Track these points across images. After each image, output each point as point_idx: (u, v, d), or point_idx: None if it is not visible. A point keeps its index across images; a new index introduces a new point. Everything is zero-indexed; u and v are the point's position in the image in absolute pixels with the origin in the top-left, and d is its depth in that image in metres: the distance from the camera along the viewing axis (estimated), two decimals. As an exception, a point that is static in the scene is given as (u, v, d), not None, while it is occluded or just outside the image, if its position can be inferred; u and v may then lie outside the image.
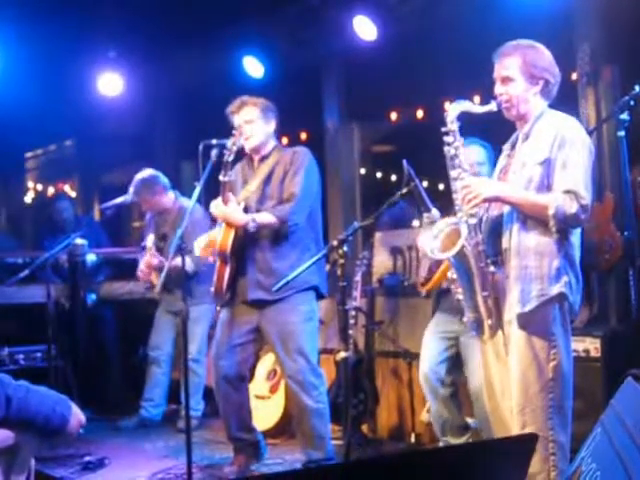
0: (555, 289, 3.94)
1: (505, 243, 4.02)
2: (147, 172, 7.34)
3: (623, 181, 5.02)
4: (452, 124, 4.09)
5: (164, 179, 7.37)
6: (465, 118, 4.13)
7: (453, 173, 4.10)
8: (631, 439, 2.75)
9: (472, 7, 6.43)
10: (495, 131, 4.75)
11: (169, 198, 7.40)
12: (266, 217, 5.38)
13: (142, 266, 7.00)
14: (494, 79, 4.15)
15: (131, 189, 7.23)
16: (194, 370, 7.05)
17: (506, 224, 4.04)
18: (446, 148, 4.12)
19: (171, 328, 7.42)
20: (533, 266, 3.94)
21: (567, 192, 3.88)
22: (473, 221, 4.02)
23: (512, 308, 3.98)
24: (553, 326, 3.95)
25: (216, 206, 5.38)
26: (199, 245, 5.61)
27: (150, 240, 6.96)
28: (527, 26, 5.14)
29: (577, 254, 4.05)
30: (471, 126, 4.36)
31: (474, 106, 4.14)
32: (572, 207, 3.85)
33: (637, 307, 5.00)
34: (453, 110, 4.10)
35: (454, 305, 5.44)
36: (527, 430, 3.91)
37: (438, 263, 5.47)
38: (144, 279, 7.12)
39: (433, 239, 4.14)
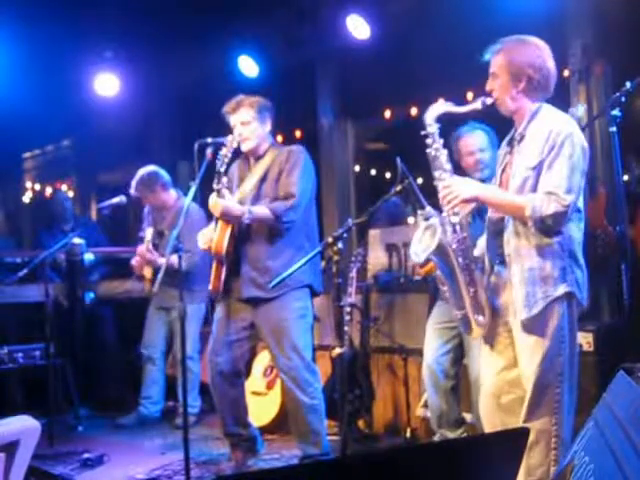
0: (561, 289, 3.95)
1: (506, 246, 4.05)
2: (148, 169, 7.37)
3: (615, 176, 5.05)
4: (431, 126, 4.13)
5: (165, 176, 7.39)
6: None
7: (435, 174, 4.14)
8: (623, 432, 2.77)
9: (464, 5, 6.45)
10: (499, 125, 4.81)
11: (169, 196, 7.41)
12: (262, 210, 5.40)
13: (137, 257, 7.08)
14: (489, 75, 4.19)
15: (133, 184, 7.28)
16: (189, 367, 7.07)
17: (508, 227, 4.06)
18: (427, 150, 4.17)
19: (163, 325, 7.45)
20: (537, 268, 3.95)
21: (547, 193, 3.88)
22: (456, 219, 4.06)
23: (518, 313, 3.99)
24: (561, 321, 3.97)
25: (213, 201, 5.39)
26: (202, 235, 5.64)
27: (149, 233, 7.00)
28: (519, 23, 5.16)
29: (580, 249, 4.05)
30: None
31: (454, 106, 4.17)
32: (549, 208, 3.84)
33: (629, 301, 5.03)
34: (431, 113, 4.14)
35: None
36: (530, 424, 3.93)
37: None
38: (138, 270, 7.19)
39: (418, 243, 4.18)
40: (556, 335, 3.97)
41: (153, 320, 7.51)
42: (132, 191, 7.26)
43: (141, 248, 7.03)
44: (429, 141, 4.14)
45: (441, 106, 4.15)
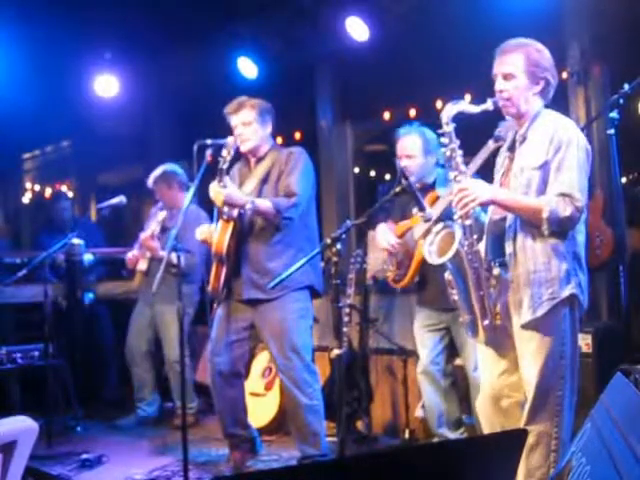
0: (566, 291, 3.94)
1: (509, 248, 4.02)
2: (170, 166, 7.43)
3: (613, 178, 5.05)
4: (447, 126, 4.05)
5: (184, 178, 7.40)
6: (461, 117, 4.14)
7: (450, 175, 4.08)
8: (620, 433, 2.77)
9: (463, 7, 6.46)
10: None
11: (184, 197, 7.42)
12: (264, 203, 5.37)
13: (134, 250, 7.10)
14: (494, 76, 4.11)
15: (151, 177, 7.31)
16: (175, 369, 7.03)
17: (510, 228, 4.03)
18: (442, 150, 4.12)
19: (144, 325, 7.46)
20: (542, 270, 3.94)
21: (561, 195, 3.86)
22: (468, 222, 4.02)
23: (522, 315, 3.98)
24: (564, 323, 3.96)
25: (215, 190, 5.34)
26: (200, 231, 5.65)
27: (162, 215, 7.02)
28: (518, 25, 5.17)
29: (583, 251, 4.05)
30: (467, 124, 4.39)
31: (470, 106, 4.08)
32: (566, 210, 3.84)
33: (627, 303, 5.03)
34: (448, 111, 4.05)
35: (433, 297, 5.51)
36: (532, 427, 3.94)
37: (408, 257, 5.52)
38: (132, 264, 7.21)
39: (430, 245, 4.15)
40: (558, 337, 3.96)
41: (136, 321, 7.52)
42: (149, 183, 7.29)
43: (145, 234, 7.04)
44: (445, 140, 4.07)
45: (457, 105, 4.07)
